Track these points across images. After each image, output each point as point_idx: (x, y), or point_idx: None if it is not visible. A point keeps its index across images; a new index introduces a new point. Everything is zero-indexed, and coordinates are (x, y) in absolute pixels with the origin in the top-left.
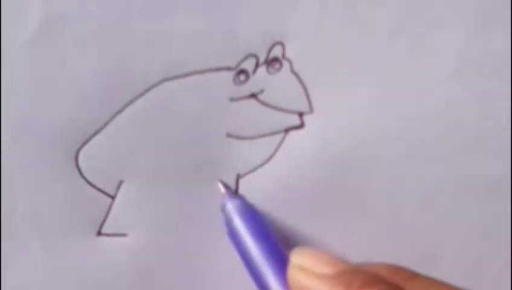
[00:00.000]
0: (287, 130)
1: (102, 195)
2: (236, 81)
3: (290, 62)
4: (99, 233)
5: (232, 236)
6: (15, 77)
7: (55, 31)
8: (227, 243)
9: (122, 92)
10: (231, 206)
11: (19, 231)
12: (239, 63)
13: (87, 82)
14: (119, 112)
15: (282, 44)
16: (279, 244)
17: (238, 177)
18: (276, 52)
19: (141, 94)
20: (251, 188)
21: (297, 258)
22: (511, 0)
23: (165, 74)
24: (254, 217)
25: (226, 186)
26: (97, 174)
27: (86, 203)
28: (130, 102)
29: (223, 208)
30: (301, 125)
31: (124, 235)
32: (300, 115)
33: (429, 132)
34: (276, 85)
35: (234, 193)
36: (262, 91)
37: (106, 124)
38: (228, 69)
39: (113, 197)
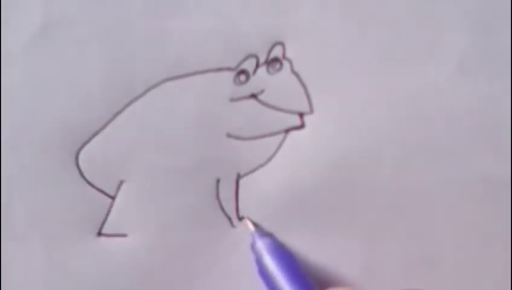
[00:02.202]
0: (287, 131)
1: (102, 195)
2: (236, 81)
3: (291, 62)
4: (99, 233)
5: (262, 274)
6: (15, 77)
7: (55, 31)
8: (227, 244)
9: (122, 92)
10: (261, 245)
11: (19, 231)
12: (239, 64)
13: (87, 82)
14: (119, 112)
15: (282, 44)
16: (310, 282)
17: (238, 177)
18: (277, 52)
19: (141, 94)
20: (251, 188)
21: None
22: (511, 0)
23: (166, 74)
24: (284, 255)
25: (255, 224)
26: (97, 175)
27: (86, 203)
28: (130, 102)
29: (253, 246)
30: (301, 126)
31: (124, 235)
32: (301, 115)
33: (429, 132)
34: (276, 85)
35: (263, 231)
36: (262, 91)
37: (106, 124)
38: (228, 69)
39: (113, 197)
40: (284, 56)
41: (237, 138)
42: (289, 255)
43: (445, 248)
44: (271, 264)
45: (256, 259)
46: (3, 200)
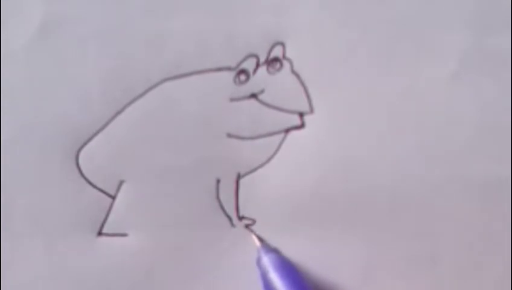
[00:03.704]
0: (287, 130)
1: (102, 195)
2: (236, 81)
3: (291, 62)
4: (99, 233)
5: (267, 289)
6: (15, 77)
7: (55, 31)
8: (227, 244)
9: (122, 92)
10: (267, 260)
11: (19, 231)
12: (239, 63)
13: (87, 82)
14: (119, 112)
15: (282, 44)
16: None
17: (238, 177)
18: (277, 52)
19: (141, 94)
20: (251, 188)
21: None
22: (511, 0)
23: (165, 74)
24: (290, 271)
25: (260, 239)
26: (97, 174)
27: (86, 203)
28: (130, 102)
29: (258, 262)
30: (302, 126)
31: (124, 235)
32: (301, 115)
33: (429, 132)
34: (276, 85)
35: (269, 246)
36: (262, 91)
37: (106, 124)
38: (228, 69)
39: (113, 197)
40: (284, 56)
41: (237, 137)
42: (294, 271)
43: (445, 248)
44: (276, 280)
45: (261, 274)
46: (3, 200)
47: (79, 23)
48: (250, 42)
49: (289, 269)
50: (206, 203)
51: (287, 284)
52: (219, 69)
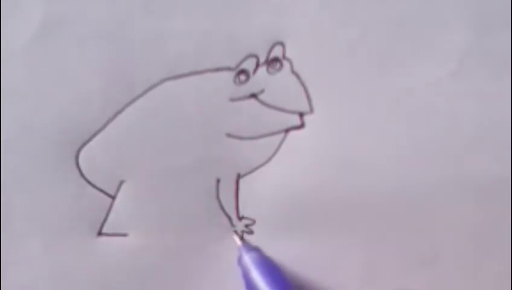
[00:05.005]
0: (287, 131)
1: (102, 195)
2: (236, 81)
3: (291, 62)
4: (99, 233)
5: (249, 288)
6: (15, 76)
7: (55, 31)
8: (227, 244)
9: (122, 92)
10: (248, 259)
11: (19, 231)
12: (239, 63)
13: (87, 82)
14: (119, 112)
15: (282, 44)
16: None
17: (238, 177)
18: (277, 52)
19: (141, 94)
20: (251, 188)
21: None
22: (511, 0)
23: (165, 74)
24: (271, 269)
25: (242, 238)
26: (97, 174)
27: (86, 203)
28: (130, 102)
29: (239, 261)
30: (302, 126)
31: (124, 235)
32: (301, 115)
33: (429, 132)
34: (276, 85)
35: (250, 245)
36: (262, 91)
37: (106, 124)
38: (228, 69)
39: (113, 197)
40: (284, 56)
41: (237, 138)
42: (276, 269)
43: (445, 247)
44: (258, 278)
45: (243, 273)
46: (3, 200)
47: (79, 23)
48: (250, 42)
49: (270, 268)
50: (206, 203)
51: (268, 282)
52: (219, 69)
